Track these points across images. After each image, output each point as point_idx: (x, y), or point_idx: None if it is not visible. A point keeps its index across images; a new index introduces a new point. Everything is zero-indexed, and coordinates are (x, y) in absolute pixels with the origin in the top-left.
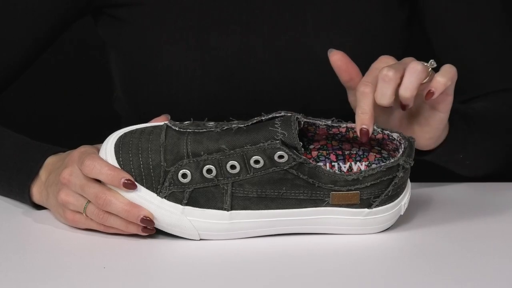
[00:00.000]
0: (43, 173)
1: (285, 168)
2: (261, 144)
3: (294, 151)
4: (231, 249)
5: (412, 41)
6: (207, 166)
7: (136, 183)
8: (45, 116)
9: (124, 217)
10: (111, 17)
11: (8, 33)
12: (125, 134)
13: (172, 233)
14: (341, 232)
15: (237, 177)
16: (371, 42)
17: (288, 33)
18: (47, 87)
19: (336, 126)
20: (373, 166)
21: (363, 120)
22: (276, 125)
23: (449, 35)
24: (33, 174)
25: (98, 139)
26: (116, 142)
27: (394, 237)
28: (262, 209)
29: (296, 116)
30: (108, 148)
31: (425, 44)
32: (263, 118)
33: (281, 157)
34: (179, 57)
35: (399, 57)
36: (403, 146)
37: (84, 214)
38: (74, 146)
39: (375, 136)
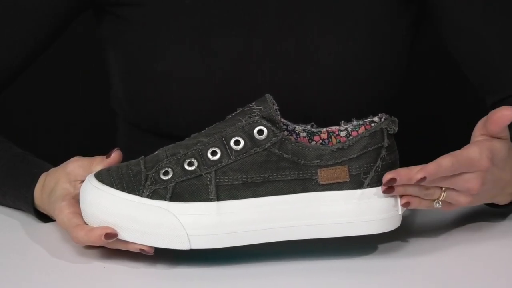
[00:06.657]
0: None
1: (266, 146)
2: (239, 124)
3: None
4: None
5: (418, 42)
6: (188, 160)
7: (114, 229)
8: (41, 113)
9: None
10: (113, 16)
11: (9, 33)
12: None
13: (160, 242)
14: (336, 228)
15: (219, 164)
16: (375, 46)
17: (291, 37)
18: (41, 84)
19: (317, 132)
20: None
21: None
22: (250, 106)
23: (469, 37)
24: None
25: (94, 134)
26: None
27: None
28: (249, 197)
29: (271, 97)
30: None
31: (431, 44)
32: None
33: (260, 132)
34: (181, 59)
35: (402, 59)
36: (384, 118)
37: None
38: (71, 141)
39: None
